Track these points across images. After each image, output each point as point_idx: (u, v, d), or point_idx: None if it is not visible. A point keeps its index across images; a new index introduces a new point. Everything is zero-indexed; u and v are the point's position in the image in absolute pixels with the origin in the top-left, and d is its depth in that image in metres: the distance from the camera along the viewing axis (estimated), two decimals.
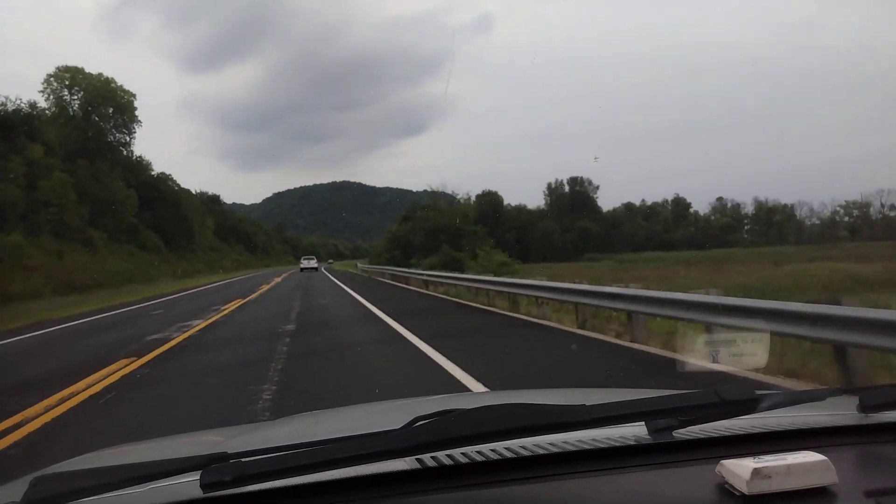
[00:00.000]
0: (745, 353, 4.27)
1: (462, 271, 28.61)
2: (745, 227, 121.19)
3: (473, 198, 47.65)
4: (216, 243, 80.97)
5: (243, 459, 0.90)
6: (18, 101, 38.72)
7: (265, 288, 26.98)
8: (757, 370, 4.86)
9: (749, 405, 1.06)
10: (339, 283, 30.51)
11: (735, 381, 4.11)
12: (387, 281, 31.29)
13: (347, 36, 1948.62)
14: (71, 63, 47.39)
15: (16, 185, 31.29)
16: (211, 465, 0.88)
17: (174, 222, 60.22)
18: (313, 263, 62.68)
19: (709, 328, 6.24)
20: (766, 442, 1.14)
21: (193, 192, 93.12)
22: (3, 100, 37.79)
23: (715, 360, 4.70)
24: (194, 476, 0.88)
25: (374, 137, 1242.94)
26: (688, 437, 1.12)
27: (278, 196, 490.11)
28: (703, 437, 1.13)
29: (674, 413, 1.10)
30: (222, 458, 0.90)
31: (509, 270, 26.02)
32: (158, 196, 58.63)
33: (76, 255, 33.14)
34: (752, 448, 1.04)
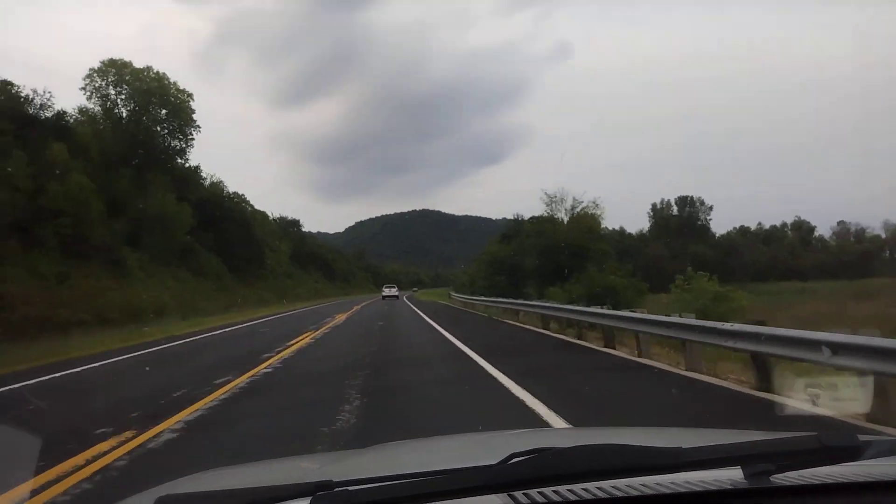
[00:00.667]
0: (847, 398, 3.89)
1: (617, 306, 18.42)
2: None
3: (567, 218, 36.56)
4: (292, 270, 73.80)
5: (350, 488, 0.94)
6: (48, 95, 31.69)
7: (305, 339, 15.92)
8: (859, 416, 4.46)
9: (853, 452, 1.01)
10: (450, 337, 15.91)
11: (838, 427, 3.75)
12: (543, 332, 16.21)
13: (429, 69, 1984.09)
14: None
15: (15, 187, 23.51)
16: (318, 493, 0.92)
17: (241, 245, 52.96)
18: (395, 291, 64.49)
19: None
20: (870, 492, 1.06)
21: (271, 216, 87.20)
22: (30, 93, 30.93)
23: (815, 404, 4.24)
24: (302, 502, 0.91)
25: (453, 167, 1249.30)
26: (786, 484, 1.06)
27: (360, 225, 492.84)
28: (802, 483, 1.06)
29: (772, 458, 1.06)
30: (328, 485, 0.94)
31: (732, 308, 15.67)
32: (224, 214, 51.56)
33: (94, 280, 25.11)
34: (855, 498, 0.99)
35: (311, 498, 0.90)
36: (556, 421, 5.64)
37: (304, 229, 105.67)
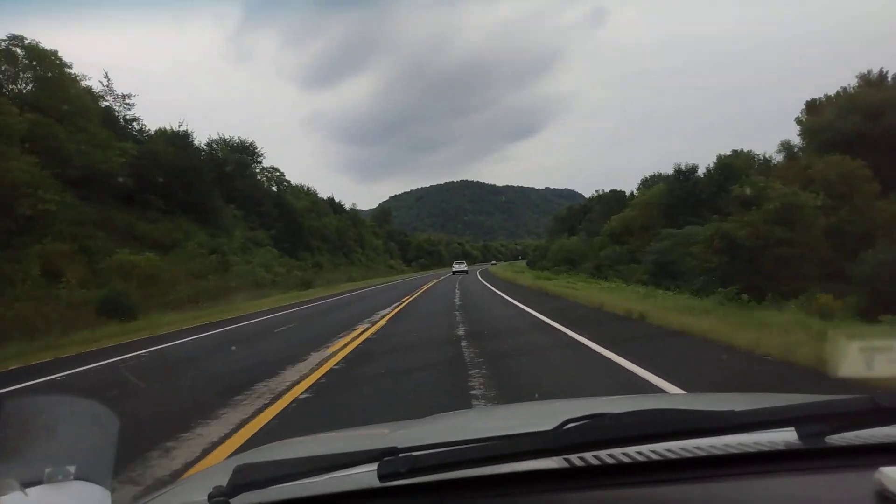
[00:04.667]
0: None
1: None
2: None
3: None
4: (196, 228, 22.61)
5: (414, 453, 0.94)
6: None
7: None
8: None
9: None
10: None
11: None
12: None
13: (456, 43, 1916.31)
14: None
15: None
16: (384, 458, 0.93)
17: None
18: (463, 267, 60.58)
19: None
20: None
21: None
22: None
23: (870, 368, 3.64)
24: (370, 468, 0.93)
25: (486, 142, 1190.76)
26: (841, 444, 1.04)
27: (394, 199, 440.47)
28: (858, 444, 1.04)
29: (826, 419, 1.03)
30: (393, 451, 0.95)
31: None
32: None
33: None
34: None
35: (377, 463, 0.92)
36: None
37: (265, 165, 54.10)
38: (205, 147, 42.93)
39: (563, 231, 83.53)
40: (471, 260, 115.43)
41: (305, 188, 65.77)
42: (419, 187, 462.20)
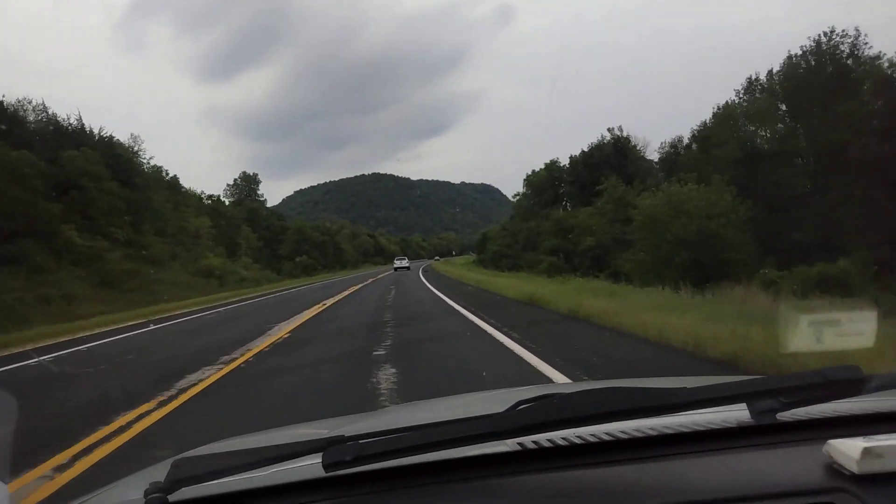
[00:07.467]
0: (851, 333, 3.41)
1: None
2: None
3: None
4: None
5: (360, 441, 0.90)
6: None
7: None
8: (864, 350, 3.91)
9: (856, 386, 0.96)
10: None
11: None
12: None
13: (363, 37, 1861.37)
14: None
15: None
16: (330, 447, 0.88)
17: None
18: (405, 263, 59.46)
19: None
20: (875, 424, 1.03)
21: None
22: None
23: (819, 342, 3.53)
24: (316, 458, 0.89)
25: (395, 140, 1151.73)
26: (792, 420, 1.04)
27: (300, 194, 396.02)
28: (807, 418, 1.05)
29: (776, 394, 1.01)
30: (340, 440, 0.90)
31: None
32: None
33: None
34: (861, 430, 0.96)
35: (322, 453, 0.87)
36: None
37: None
38: None
39: (547, 203, 48.63)
40: (388, 257, 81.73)
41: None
42: (329, 180, 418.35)
